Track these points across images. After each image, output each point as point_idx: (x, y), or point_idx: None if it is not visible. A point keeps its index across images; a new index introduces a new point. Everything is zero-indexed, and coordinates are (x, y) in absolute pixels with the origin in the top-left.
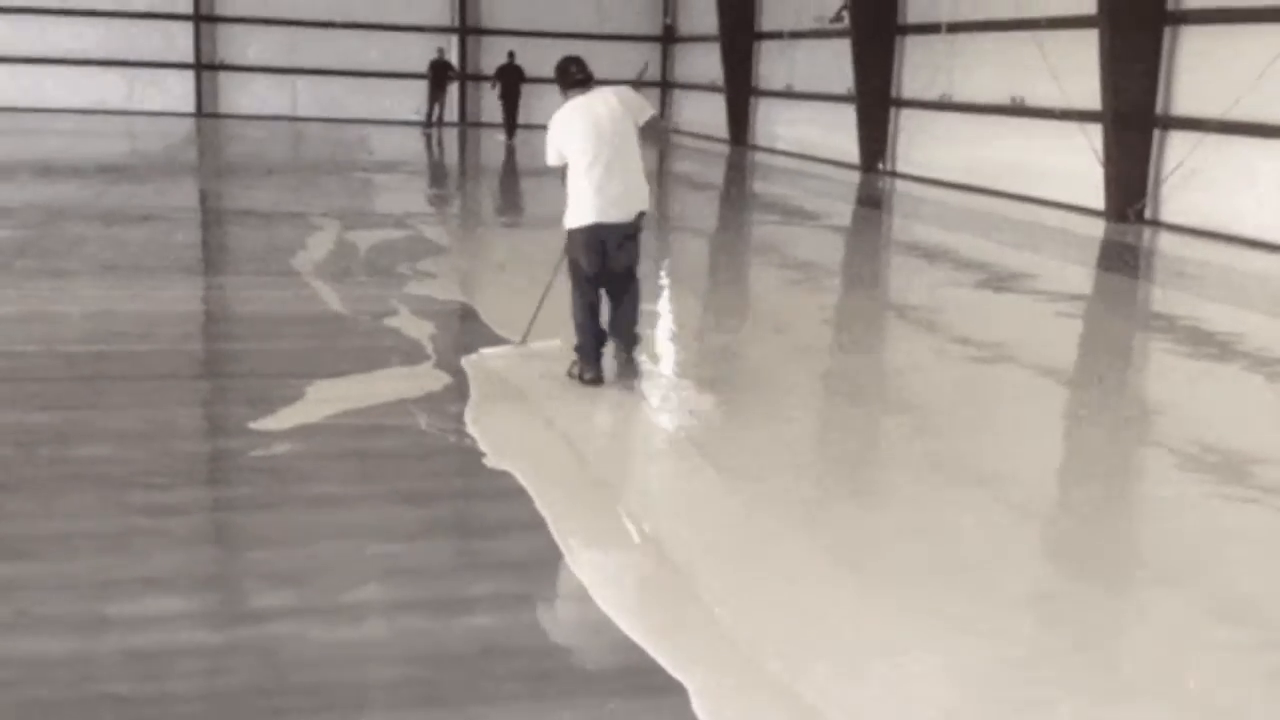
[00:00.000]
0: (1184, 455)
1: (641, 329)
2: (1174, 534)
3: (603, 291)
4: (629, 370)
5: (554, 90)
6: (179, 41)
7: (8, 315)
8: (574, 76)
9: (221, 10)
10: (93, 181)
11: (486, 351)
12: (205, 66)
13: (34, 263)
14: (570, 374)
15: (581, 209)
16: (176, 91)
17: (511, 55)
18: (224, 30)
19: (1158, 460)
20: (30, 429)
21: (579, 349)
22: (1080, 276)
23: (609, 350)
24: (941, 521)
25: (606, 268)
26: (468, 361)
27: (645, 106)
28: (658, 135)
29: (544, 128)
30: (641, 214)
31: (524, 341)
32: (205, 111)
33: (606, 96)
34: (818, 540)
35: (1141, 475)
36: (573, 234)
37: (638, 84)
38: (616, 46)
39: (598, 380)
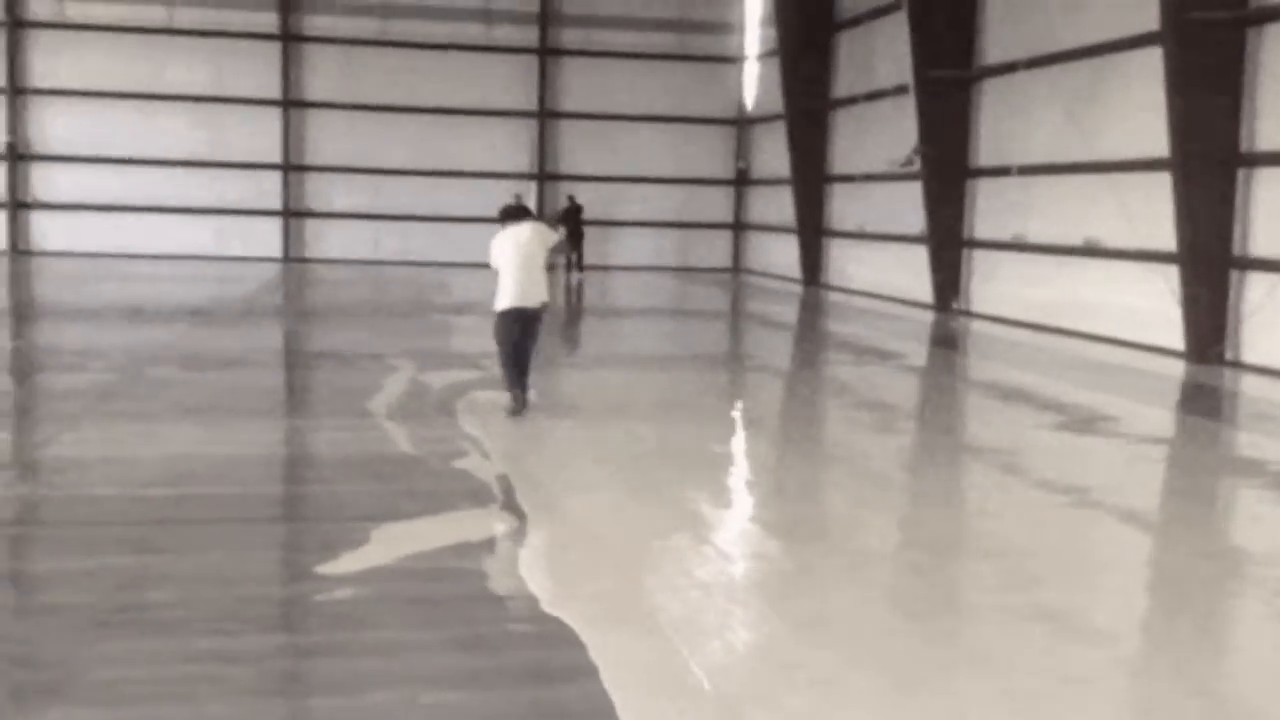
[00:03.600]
0: (1278, 605)
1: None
2: (1267, 688)
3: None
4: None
5: (623, 230)
6: (268, 190)
7: (90, 459)
8: (507, 214)
9: (309, 160)
10: (179, 325)
11: (478, 394)
12: (292, 213)
13: (118, 406)
14: (509, 412)
15: (506, 297)
16: (264, 237)
17: (572, 199)
18: (311, 178)
19: (1249, 609)
20: (105, 573)
21: (510, 391)
22: (1162, 419)
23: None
24: (1031, 678)
25: (522, 338)
26: (463, 402)
27: (550, 234)
28: (558, 250)
29: (612, 268)
30: (544, 303)
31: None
32: (291, 256)
33: (525, 227)
34: (895, 700)
35: (1233, 625)
36: (500, 314)
37: (555, 219)
38: (691, 190)
39: (520, 412)
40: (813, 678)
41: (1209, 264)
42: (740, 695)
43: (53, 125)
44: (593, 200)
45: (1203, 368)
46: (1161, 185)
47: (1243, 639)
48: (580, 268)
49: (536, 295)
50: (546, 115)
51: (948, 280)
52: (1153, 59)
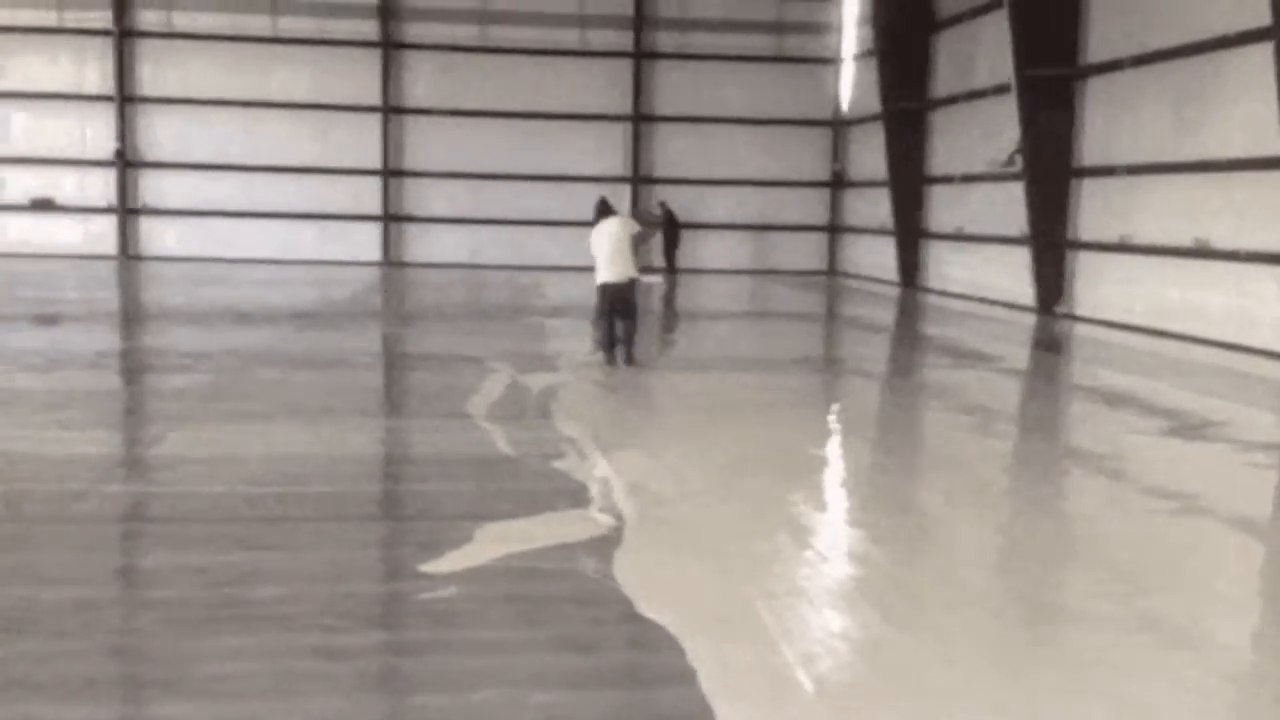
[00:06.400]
0: None
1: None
2: None
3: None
4: (630, 361)
5: (717, 233)
6: (368, 195)
7: (199, 457)
8: (600, 211)
9: (408, 166)
10: (284, 327)
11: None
12: (391, 218)
13: (226, 405)
14: (600, 364)
15: (601, 274)
16: (363, 241)
17: (662, 204)
18: (410, 183)
19: None
20: (212, 569)
21: (601, 346)
22: (1274, 424)
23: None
24: (1139, 687)
25: (614, 306)
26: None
27: (634, 225)
28: (642, 238)
29: (706, 271)
30: (632, 278)
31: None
32: (390, 260)
33: (614, 220)
34: (1002, 706)
35: None
36: (598, 289)
37: (643, 215)
38: (786, 192)
39: (608, 361)
40: (917, 684)
41: None
42: (845, 701)
43: (161, 133)
44: (686, 203)
45: None
46: (1273, 184)
47: None
48: (674, 269)
49: (624, 272)
50: (641, 119)
51: (1050, 282)
52: (1264, 55)
